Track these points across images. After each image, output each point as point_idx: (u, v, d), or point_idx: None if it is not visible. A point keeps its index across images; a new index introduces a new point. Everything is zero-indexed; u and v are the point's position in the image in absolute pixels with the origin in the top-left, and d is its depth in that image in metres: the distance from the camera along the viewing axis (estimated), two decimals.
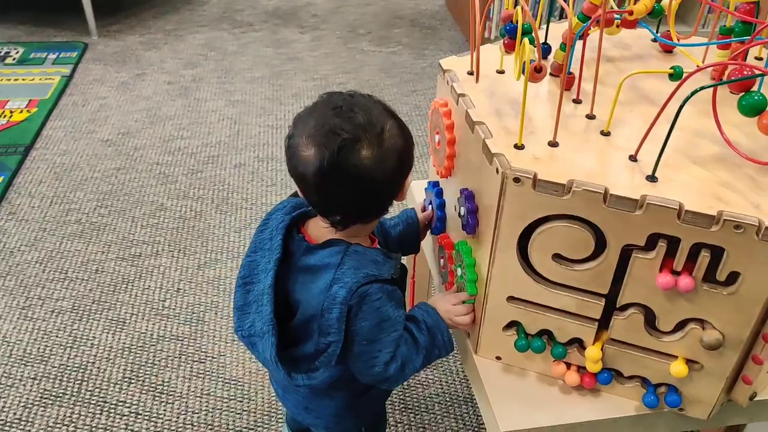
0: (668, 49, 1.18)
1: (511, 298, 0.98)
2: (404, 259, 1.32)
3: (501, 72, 1.10)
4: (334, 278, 0.93)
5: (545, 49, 1.12)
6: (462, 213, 1.01)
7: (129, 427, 1.50)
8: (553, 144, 0.93)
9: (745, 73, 0.93)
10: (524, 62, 0.90)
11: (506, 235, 0.92)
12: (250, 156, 2.44)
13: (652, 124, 0.87)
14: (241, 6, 3.60)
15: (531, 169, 0.87)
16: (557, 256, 0.91)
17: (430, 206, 1.22)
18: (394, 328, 0.95)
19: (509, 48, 0.99)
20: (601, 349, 0.97)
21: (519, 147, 0.92)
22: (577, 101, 1.04)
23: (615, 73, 1.11)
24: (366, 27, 3.41)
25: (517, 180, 0.86)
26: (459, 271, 1.06)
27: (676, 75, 0.93)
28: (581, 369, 1.00)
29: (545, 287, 0.95)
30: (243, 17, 3.48)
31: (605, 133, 0.96)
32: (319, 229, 0.99)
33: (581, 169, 0.88)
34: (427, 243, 1.35)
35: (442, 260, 1.17)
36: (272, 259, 0.98)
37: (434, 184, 1.20)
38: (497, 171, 0.88)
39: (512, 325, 1.02)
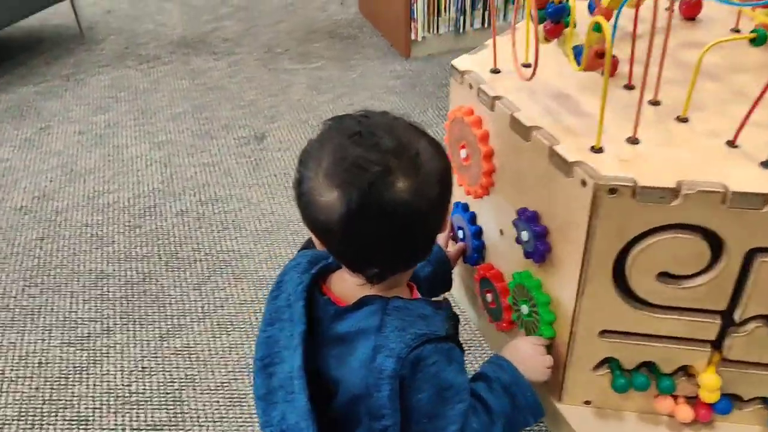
0: (691, 16, 1.06)
1: (604, 333, 0.82)
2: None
3: (527, 65, 0.94)
4: (376, 346, 0.74)
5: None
6: (525, 239, 0.84)
7: None
8: (634, 140, 0.77)
9: None
10: (593, 48, 0.74)
11: (599, 258, 0.75)
12: (192, 200, 2.18)
13: (756, 102, 0.72)
14: (143, 39, 3.30)
15: (626, 174, 0.70)
16: (663, 275, 0.76)
17: (460, 232, 1.04)
18: (460, 397, 0.77)
19: (552, 34, 0.82)
20: (716, 373, 0.81)
21: (597, 150, 0.75)
22: (629, 87, 0.89)
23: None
24: (283, 45, 3.20)
25: (613, 191, 0.70)
26: (525, 309, 0.88)
27: (759, 39, 0.80)
28: (689, 400, 0.85)
29: (647, 313, 0.79)
30: (148, 50, 3.19)
31: (683, 119, 0.81)
32: (346, 284, 0.80)
33: (680, 167, 0.73)
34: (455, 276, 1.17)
35: (489, 295, 0.99)
36: (296, 332, 0.78)
37: (464, 208, 1.02)
38: (584, 183, 0.71)
39: (605, 361, 0.85)
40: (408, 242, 0.75)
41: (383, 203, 0.69)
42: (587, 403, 0.88)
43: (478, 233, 1.00)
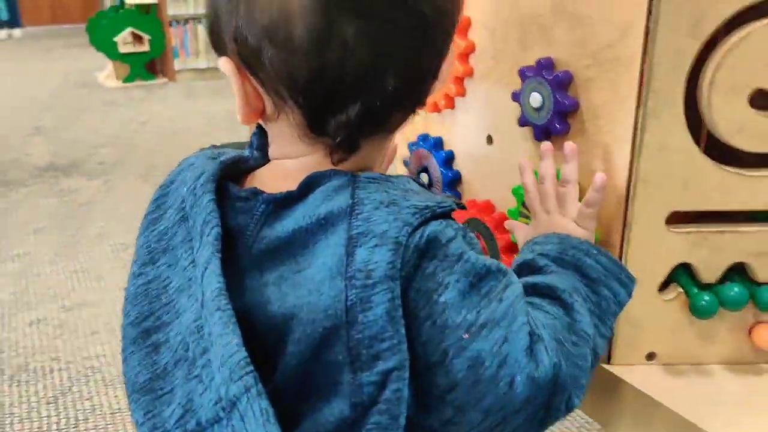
0: None
1: (674, 219, 0.54)
2: None
3: None
4: (351, 237, 0.42)
5: None
6: (537, 104, 0.58)
7: None
8: None
9: None
10: None
11: (665, 78, 0.50)
12: (52, 308, 1.75)
13: None
14: (2, 168, 2.92)
15: None
16: (762, 95, 0.51)
17: (424, 176, 0.75)
18: (506, 279, 0.44)
19: None
20: None
21: None
22: None
23: None
24: (165, 166, 2.92)
25: None
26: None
27: None
28: None
29: (738, 172, 0.53)
30: (7, 177, 2.80)
31: None
32: (280, 177, 0.48)
33: None
34: None
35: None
36: (203, 247, 0.45)
37: (423, 138, 0.75)
38: None
39: (672, 280, 0.56)
40: (415, 51, 0.45)
41: None
42: (650, 357, 0.57)
43: (449, 160, 0.71)
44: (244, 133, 2.98)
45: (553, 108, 0.56)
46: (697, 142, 0.52)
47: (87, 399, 1.38)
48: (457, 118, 0.71)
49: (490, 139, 0.67)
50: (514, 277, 0.45)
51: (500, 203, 0.67)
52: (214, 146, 0.58)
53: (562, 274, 0.50)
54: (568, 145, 0.55)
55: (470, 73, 0.68)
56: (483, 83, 0.67)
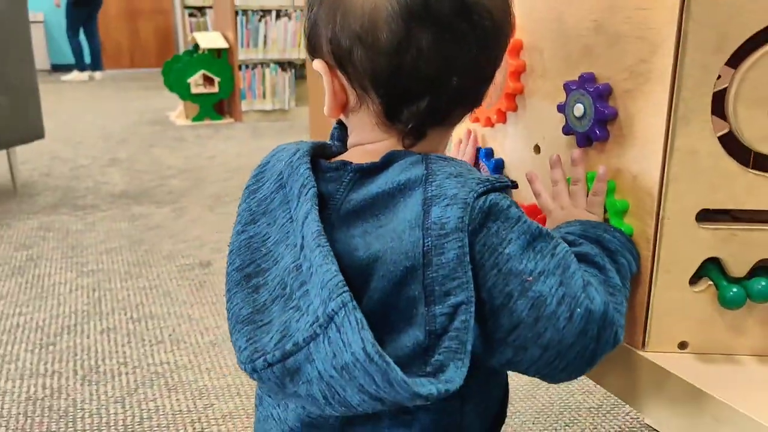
0: None
1: (704, 215, 0.59)
2: None
3: None
4: (427, 198, 0.52)
5: None
6: (579, 113, 0.65)
7: None
8: None
9: None
10: None
11: (693, 89, 0.56)
12: (121, 318, 1.86)
13: None
14: (80, 194, 3.12)
15: None
16: None
17: None
18: (555, 240, 0.54)
19: None
20: None
21: None
22: None
23: None
24: (231, 195, 3.07)
25: None
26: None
27: None
28: None
29: (763, 175, 0.58)
30: (86, 202, 2.99)
31: None
32: (361, 156, 0.59)
33: None
34: None
35: None
36: (300, 205, 0.54)
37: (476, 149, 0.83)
38: None
39: (702, 273, 0.61)
40: (477, 60, 0.56)
41: None
42: (683, 346, 0.62)
43: (499, 167, 0.79)
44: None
45: (594, 116, 0.63)
46: (725, 146, 0.58)
47: (151, 401, 1.47)
48: (508, 131, 0.79)
49: (537, 149, 0.74)
50: (560, 239, 0.55)
51: None
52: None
53: (588, 245, 0.58)
54: (576, 152, 0.65)
55: (521, 91, 0.76)
56: (532, 99, 0.74)
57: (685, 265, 0.60)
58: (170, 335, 1.76)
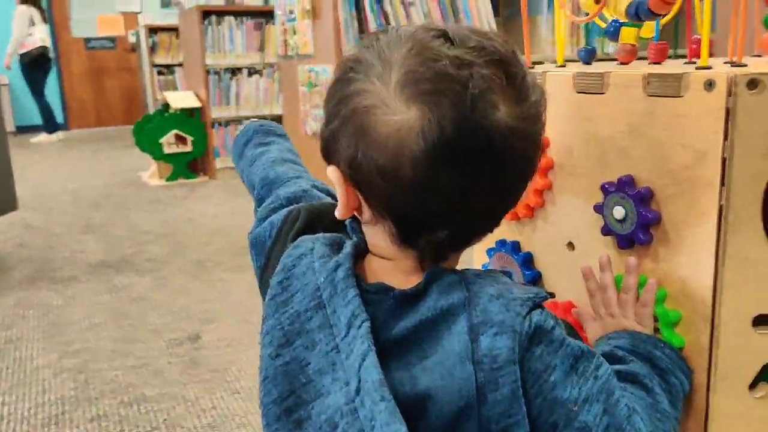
0: None
1: (760, 320, 0.59)
2: None
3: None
4: (473, 326, 0.51)
5: None
6: (619, 216, 0.64)
7: None
8: (739, 64, 0.62)
9: None
10: None
11: (742, 196, 0.56)
12: (112, 403, 1.79)
13: None
14: (58, 265, 3.03)
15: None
16: None
17: None
18: (597, 360, 0.54)
19: None
20: None
21: (703, 68, 0.60)
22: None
23: None
24: (214, 260, 3.02)
25: (753, 84, 0.54)
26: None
27: None
28: None
29: None
30: (63, 273, 2.91)
31: None
32: (387, 273, 0.57)
33: None
34: None
35: None
36: (358, 339, 0.52)
37: (501, 243, 0.81)
38: (709, 85, 0.55)
39: (761, 378, 0.60)
40: (499, 196, 0.55)
41: (488, 129, 0.50)
42: None
43: (528, 261, 0.77)
44: None
45: (637, 220, 0.62)
46: None
47: None
48: (537, 225, 0.78)
49: (571, 246, 0.73)
50: (602, 358, 0.54)
51: (581, 303, 0.72)
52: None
53: (638, 363, 0.57)
54: (631, 260, 0.63)
55: (549, 187, 0.75)
56: (563, 195, 0.74)
57: (743, 372, 0.59)
58: (165, 420, 1.70)
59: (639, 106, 0.62)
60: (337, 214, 0.58)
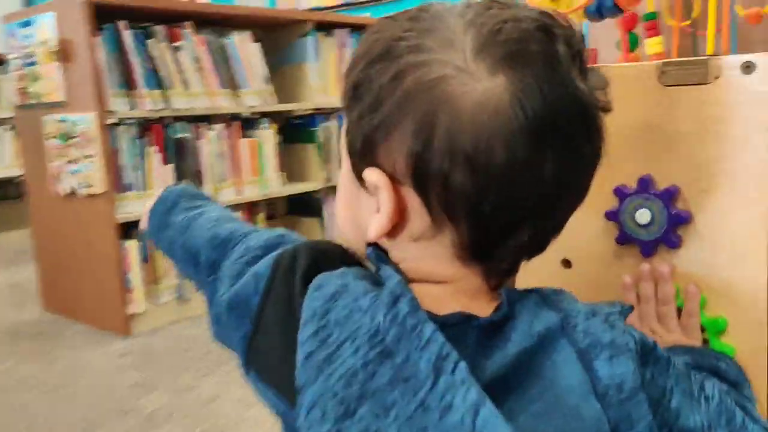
0: None
1: None
2: None
3: None
4: (581, 351, 0.42)
5: None
6: (644, 220, 0.58)
7: None
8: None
9: None
10: None
11: None
12: None
13: None
14: None
15: None
16: None
17: None
18: (696, 374, 0.49)
19: None
20: None
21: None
22: None
23: None
24: None
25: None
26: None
27: None
28: None
29: None
30: None
31: None
32: (430, 300, 0.44)
33: None
34: None
35: None
36: (458, 386, 0.39)
37: None
38: (747, 68, 0.53)
39: None
40: (588, 182, 0.47)
41: (581, 99, 0.42)
42: None
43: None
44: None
45: (669, 222, 0.57)
46: None
47: None
48: None
49: (567, 263, 0.65)
50: (705, 374, 0.50)
51: None
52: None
53: (712, 380, 0.52)
54: (665, 268, 0.58)
55: None
56: None
57: None
58: None
59: (651, 98, 0.57)
60: (373, 235, 0.43)
